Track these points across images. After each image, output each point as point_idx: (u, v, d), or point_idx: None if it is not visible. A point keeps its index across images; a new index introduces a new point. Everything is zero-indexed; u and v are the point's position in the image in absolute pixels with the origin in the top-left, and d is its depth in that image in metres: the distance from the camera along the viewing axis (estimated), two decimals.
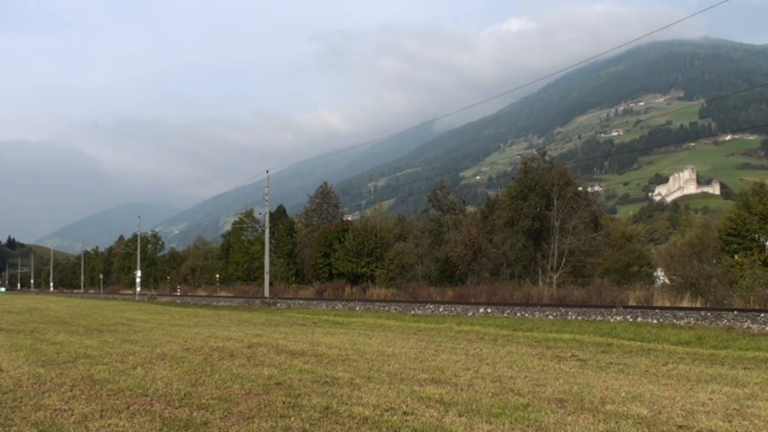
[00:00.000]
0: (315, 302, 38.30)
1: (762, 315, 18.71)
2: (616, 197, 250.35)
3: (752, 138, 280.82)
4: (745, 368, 11.10)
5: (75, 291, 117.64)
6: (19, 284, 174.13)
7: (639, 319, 20.74)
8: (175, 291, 71.54)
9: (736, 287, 26.24)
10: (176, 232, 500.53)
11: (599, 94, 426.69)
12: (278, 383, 9.23)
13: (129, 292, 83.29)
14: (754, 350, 13.62)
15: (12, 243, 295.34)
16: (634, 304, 26.03)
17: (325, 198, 65.85)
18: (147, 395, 8.43)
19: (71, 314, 31.44)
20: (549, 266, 38.89)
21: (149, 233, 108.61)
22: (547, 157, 44.36)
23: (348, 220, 68.22)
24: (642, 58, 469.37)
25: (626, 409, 7.51)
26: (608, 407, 7.61)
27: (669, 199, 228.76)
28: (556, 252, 38.81)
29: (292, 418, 7.03)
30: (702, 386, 9.17)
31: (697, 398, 8.25)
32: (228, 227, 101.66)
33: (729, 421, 6.97)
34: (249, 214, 75.53)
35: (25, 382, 9.54)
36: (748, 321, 18.44)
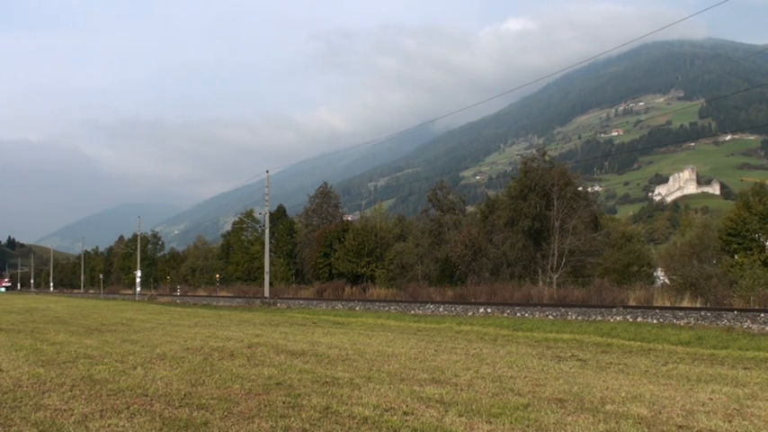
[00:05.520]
0: (315, 302, 38.29)
1: (762, 315, 18.71)
2: (616, 197, 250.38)
3: (752, 138, 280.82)
4: (745, 368, 11.10)
5: (75, 291, 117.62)
6: (19, 284, 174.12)
7: (639, 319, 20.74)
8: (175, 291, 71.51)
9: (736, 287, 26.23)
10: (176, 232, 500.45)
11: (599, 94, 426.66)
12: (278, 383, 9.23)
13: (129, 292, 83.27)
14: (754, 350, 13.62)
15: (12, 243, 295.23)
16: (634, 304, 26.03)
17: (325, 198, 65.83)
18: (147, 395, 8.43)
19: (71, 314, 31.44)
20: (549, 266, 38.89)
21: (149, 233, 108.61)
22: (547, 157, 44.34)
23: (348, 220, 68.25)
24: (642, 58, 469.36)
25: (626, 409, 7.51)
26: (608, 407, 7.61)
27: (669, 199, 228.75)
28: (556, 252, 38.81)
29: (292, 418, 7.03)
30: (702, 386, 9.17)
31: (697, 398, 8.24)
32: (228, 227, 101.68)
33: (729, 421, 6.97)
34: (249, 214, 75.52)
35: (25, 382, 9.54)
36: (748, 321, 18.44)
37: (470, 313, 26.06)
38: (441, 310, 28.18)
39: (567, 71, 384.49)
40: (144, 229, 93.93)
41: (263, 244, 57.37)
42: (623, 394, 8.42)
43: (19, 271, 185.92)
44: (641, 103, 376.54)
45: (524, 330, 18.92)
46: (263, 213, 50.74)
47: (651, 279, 47.45)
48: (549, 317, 23.09)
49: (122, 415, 7.29)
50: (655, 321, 20.21)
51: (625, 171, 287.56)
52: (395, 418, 7.03)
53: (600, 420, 6.93)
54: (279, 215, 69.72)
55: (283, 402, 7.87)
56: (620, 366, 11.23)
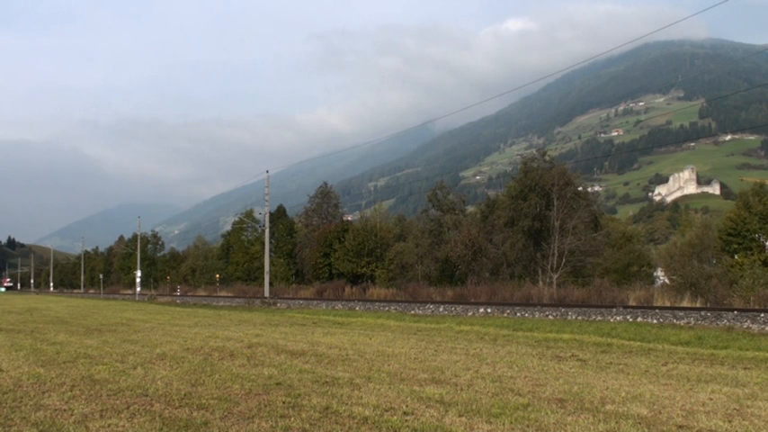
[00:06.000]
0: (315, 302, 38.29)
1: (762, 315, 18.71)
2: (616, 197, 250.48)
3: (752, 138, 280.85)
4: (745, 368, 11.10)
5: (75, 291, 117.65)
6: (19, 284, 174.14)
7: (639, 319, 20.74)
8: (175, 291, 71.53)
9: (736, 287, 26.24)
10: (176, 232, 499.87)
11: (599, 94, 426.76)
12: (278, 383, 9.23)
13: (129, 292, 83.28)
14: (754, 350, 13.62)
15: (12, 243, 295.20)
16: (634, 304, 26.02)
17: (325, 198, 65.84)
18: (147, 395, 8.43)
19: (71, 314, 31.44)
20: (549, 266, 38.89)
21: (149, 233, 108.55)
22: (547, 157, 44.34)
23: (348, 220, 68.24)
24: (642, 58, 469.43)
25: (626, 409, 7.51)
26: (608, 407, 7.61)
27: (669, 199, 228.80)
28: (556, 252, 38.81)
29: (292, 418, 7.03)
30: (702, 386, 9.17)
31: (697, 398, 8.24)
32: (228, 227, 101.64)
33: (729, 421, 6.97)
34: (249, 214, 75.52)
35: (25, 382, 9.54)
36: (748, 321, 18.44)
37: (470, 313, 26.05)
38: (441, 310, 28.18)
39: (567, 71, 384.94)
40: (144, 229, 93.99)
41: (263, 244, 57.37)
42: (623, 394, 8.42)
43: (19, 271, 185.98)
44: (641, 103, 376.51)
45: (524, 330, 18.92)
46: (263, 213, 50.73)
47: (651, 279, 47.45)
48: (549, 317, 23.09)
49: (122, 415, 7.29)
50: (655, 321, 20.20)
51: (625, 171, 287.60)
52: (395, 418, 7.03)
53: (600, 420, 6.93)
54: (279, 215, 69.73)
55: (283, 402, 7.87)
56: (620, 366, 11.23)
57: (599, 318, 21.79)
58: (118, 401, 8.03)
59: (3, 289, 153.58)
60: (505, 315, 24.71)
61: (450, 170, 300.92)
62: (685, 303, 25.95)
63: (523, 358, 12.30)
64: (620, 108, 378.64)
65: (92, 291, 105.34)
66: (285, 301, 40.28)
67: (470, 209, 58.39)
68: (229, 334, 18.02)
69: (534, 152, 45.98)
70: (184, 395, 8.38)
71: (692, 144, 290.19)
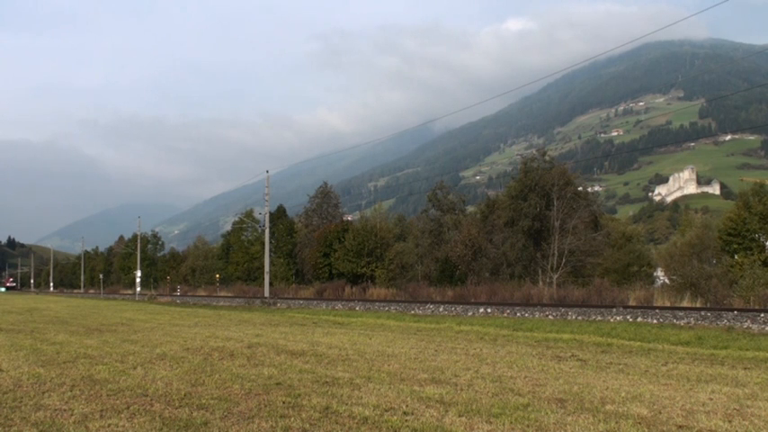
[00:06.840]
0: (315, 302, 38.30)
1: (762, 315, 18.72)
2: (616, 197, 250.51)
3: (752, 138, 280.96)
4: (745, 368, 11.10)
5: (75, 291, 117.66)
6: (19, 284, 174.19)
7: (639, 319, 20.74)
8: (175, 291, 71.53)
9: (736, 287, 26.26)
10: (176, 232, 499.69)
11: (599, 94, 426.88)
12: (278, 383, 9.23)
13: (129, 292, 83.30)
14: (754, 350, 13.62)
15: (12, 243, 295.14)
16: (634, 304, 26.04)
17: (325, 198, 65.86)
18: (147, 395, 8.43)
19: (71, 314, 31.44)
20: (549, 266, 38.91)
21: (149, 233, 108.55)
22: (547, 157, 44.41)
23: (348, 220, 68.24)
24: (642, 58, 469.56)
25: (626, 409, 7.51)
26: (608, 407, 7.61)
27: (669, 199, 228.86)
28: (556, 252, 38.82)
29: (292, 418, 7.03)
30: (702, 386, 9.17)
31: (697, 398, 8.24)
32: (228, 227, 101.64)
33: (729, 421, 6.97)
34: (249, 214, 75.53)
35: (25, 382, 9.54)
36: (748, 321, 18.45)
37: (470, 313, 26.06)
38: (441, 310, 28.19)
39: (567, 71, 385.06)
40: (144, 229, 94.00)
41: (263, 244, 57.36)
42: (623, 394, 8.42)
43: (19, 271, 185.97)
44: (641, 103, 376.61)
45: (524, 330, 18.92)
46: (263, 213, 50.73)
47: (651, 279, 47.47)
48: (549, 317, 23.09)
49: (122, 415, 7.29)
50: (655, 321, 20.21)
51: (625, 171, 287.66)
52: (395, 418, 7.03)
53: (600, 420, 6.93)
54: (279, 215, 69.72)
55: (283, 402, 7.87)
56: (620, 366, 11.23)
57: (599, 318, 21.80)
58: (118, 401, 8.03)
59: (3, 289, 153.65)
60: (505, 315, 24.72)
61: (450, 170, 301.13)
62: (685, 303, 25.96)
63: (523, 358, 12.30)
64: (620, 108, 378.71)
65: (92, 291, 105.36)
66: (285, 301, 40.29)
67: (470, 209, 58.45)
68: (229, 334, 18.02)
69: (534, 152, 46.03)
70: (184, 395, 8.38)
71: (692, 144, 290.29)
